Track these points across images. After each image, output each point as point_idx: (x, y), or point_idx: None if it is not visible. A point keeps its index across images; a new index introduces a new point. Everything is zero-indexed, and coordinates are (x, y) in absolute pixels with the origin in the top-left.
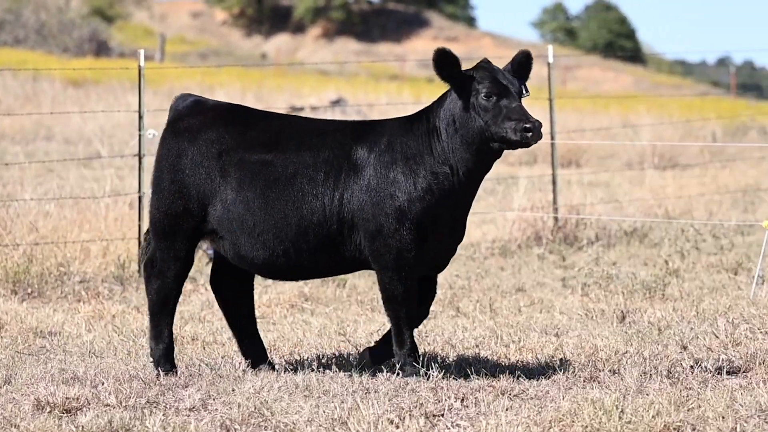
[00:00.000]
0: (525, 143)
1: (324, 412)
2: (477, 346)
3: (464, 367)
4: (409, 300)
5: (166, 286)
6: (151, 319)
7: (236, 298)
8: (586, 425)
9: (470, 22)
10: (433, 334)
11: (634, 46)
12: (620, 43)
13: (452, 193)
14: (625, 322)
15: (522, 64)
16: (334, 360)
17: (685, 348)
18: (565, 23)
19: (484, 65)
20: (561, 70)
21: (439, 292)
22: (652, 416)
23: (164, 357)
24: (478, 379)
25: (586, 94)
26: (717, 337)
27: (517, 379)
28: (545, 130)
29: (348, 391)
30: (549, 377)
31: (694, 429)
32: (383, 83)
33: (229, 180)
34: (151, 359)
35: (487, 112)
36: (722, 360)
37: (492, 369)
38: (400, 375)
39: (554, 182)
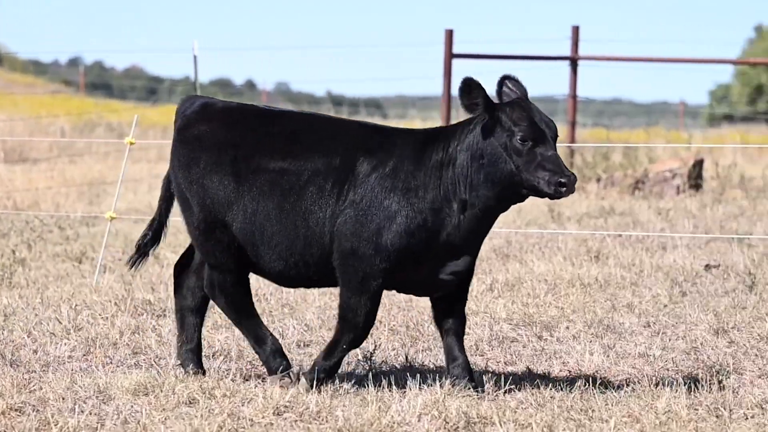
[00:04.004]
0: (557, 196)
1: None
2: None
3: None
4: (364, 328)
5: (232, 297)
6: (242, 331)
7: (194, 291)
8: None
9: None
10: None
11: None
12: None
13: (456, 228)
14: None
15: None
16: None
17: (29, 333)
18: None
19: (522, 103)
20: None
21: None
22: None
23: (273, 354)
24: None
25: None
26: (60, 322)
27: None
28: None
29: None
30: None
31: (35, 410)
32: None
33: (247, 188)
34: (264, 365)
35: (520, 156)
36: (64, 344)
37: None
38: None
39: None
